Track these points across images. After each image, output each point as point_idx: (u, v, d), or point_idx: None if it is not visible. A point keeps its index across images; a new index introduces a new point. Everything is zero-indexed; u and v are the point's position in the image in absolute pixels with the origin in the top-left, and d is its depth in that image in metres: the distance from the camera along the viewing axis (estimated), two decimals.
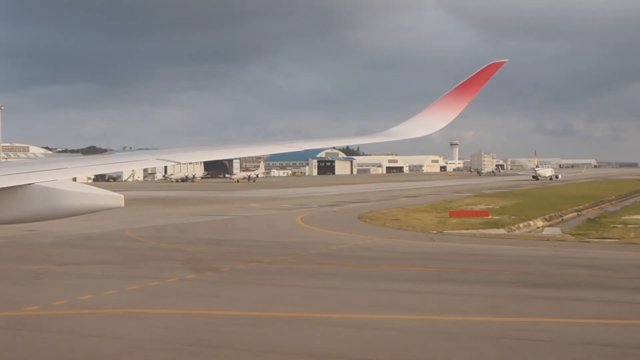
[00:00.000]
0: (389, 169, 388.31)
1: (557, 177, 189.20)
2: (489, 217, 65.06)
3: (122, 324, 21.28)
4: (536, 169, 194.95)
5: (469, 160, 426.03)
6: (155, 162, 17.20)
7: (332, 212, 71.62)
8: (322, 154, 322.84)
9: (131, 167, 18.68)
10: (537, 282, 27.68)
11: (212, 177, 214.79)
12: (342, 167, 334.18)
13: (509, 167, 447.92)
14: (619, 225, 55.69)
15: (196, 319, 21.77)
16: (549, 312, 22.09)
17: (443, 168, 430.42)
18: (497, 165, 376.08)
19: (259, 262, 34.10)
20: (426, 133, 20.28)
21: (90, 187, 17.83)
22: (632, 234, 48.64)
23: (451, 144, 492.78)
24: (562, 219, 71.91)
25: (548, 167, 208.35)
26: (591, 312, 22.12)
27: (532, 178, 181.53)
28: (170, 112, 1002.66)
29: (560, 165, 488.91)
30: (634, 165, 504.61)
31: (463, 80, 20.42)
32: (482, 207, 78.18)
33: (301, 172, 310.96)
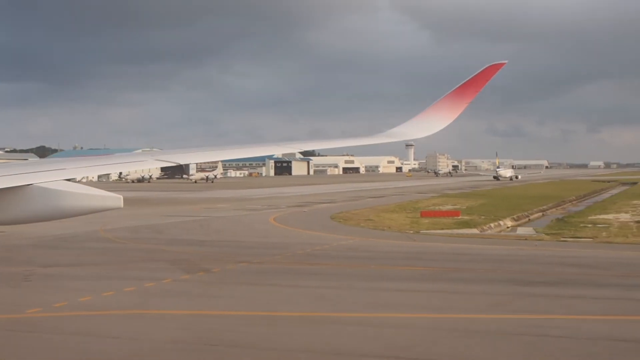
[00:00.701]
0: (345, 169, 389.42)
1: (517, 177, 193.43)
2: (460, 217, 65.77)
3: (135, 325, 21.02)
4: (497, 169, 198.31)
5: (424, 161, 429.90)
6: (154, 163, 17.15)
7: (302, 213, 71.59)
8: (278, 154, 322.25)
9: (131, 168, 18.64)
10: (532, 281, 28.08)
11: (168, 178, 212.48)
12: (298, 168, 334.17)
13: (463, 168, 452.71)
14: (589, 225, 56.73)
15: (210, 319, 21.65)
16: (557, 309, 22.47)
17: (399, 169, 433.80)
18: (452, 166, 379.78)
19: (248, 262, 33.96)
20: (426, 134, 20.45)
21: (90, 187, 17.71)
22: (604, 233, 49.62)
23: (406, 145, 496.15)
24: (529, 219, 72.96)
25: (508, 168, 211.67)
26: (597, 308, 22.56)
27: (492, 178, 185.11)
28: (121, 111, 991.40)
29: (512, 166, 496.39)
30: (584, 166, 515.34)
31: (463, 82, 20.65)
32: (449, 207, 78.91)
33: (258, 173, 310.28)
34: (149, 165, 17.59)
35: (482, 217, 66.13)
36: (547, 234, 50.14)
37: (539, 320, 20.76)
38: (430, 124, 20.63)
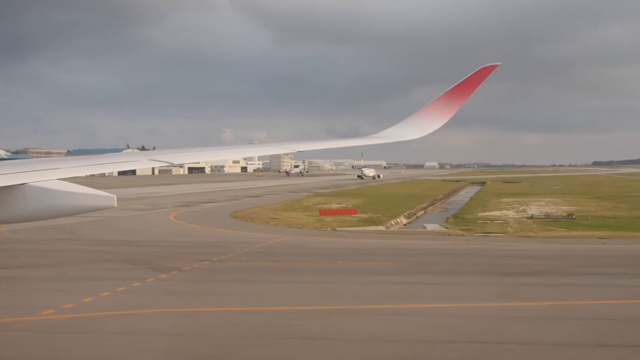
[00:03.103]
0: (190, 169, 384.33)
1: (379, 176, 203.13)
2: (358, 214, 67.55)
3: (177, 323, 20.60)
4: (362, 169, 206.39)
5: (269, 161, 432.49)
6: (148, 163, 17.23)
7: (196, 212, 70.75)
8: None
9: (124, 168, 18.42)
10: (511, 272, 29.85)
11: None
12: (143, 168, 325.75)
13: (307, 168, 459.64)
14: (487, 222, 60.18)
15: (249, 315, 21.56)
16: (566, 295, 24.30)
17: (244, 169, 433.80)
18: (295, 166, 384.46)
19: (208, 261, 33.65)
20: (419, 135, 21.24)
21: (84, 187, 17.64)
22: (509, 229, 52.95)
23: (250, 144, 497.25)
24: (417, 217, 76.24)
25: (371, 168, 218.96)
26: (600, 294, 24.54)
27: (357, 177, 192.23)
28: None
29: (352, 166, 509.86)
30: (420, 166, 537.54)
31: (456, 83, 21.65)
32: (337, 205, 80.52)
33: (100, 173, 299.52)
34: (143, 165, 17.45)
35: (378, 214, 68.25)
36: (460, 230, 52.72)
37: (565, 306, 22.42)
38: (423, 125, 21.29)
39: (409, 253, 37.06)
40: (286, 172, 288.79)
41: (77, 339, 18.89)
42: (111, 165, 18.68)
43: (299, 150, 20.87)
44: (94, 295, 24.68)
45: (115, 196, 17.32)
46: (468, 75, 21.35)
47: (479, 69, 21.30)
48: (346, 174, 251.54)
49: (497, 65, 21.58)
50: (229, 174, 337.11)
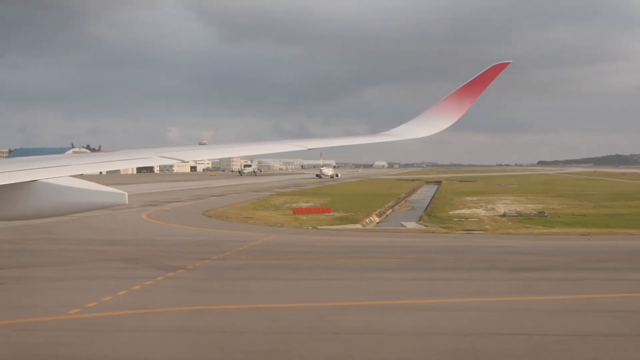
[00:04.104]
0: (139, 169, 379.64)
1: (337, 175, 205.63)
2: (332, 213, 67.84)
3: (222, 319, 20.56)
4: (321, 168, 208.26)
5: (218, 160, 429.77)
6: (158, 160, 17.40)
7: (167, 212, 70.19)
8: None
9: (135, 165, 18.58)
10: (517, 267, 30.42)
11: None
12: None
13: (257, 167, 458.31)
14: (462, 220, 61.04)
15: (283, 312, 21.60)
16: (583, 289, 24.94)
17: (193, 168, 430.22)
18: (246, 165, 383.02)
19: (207, 259, 33.46)
20: (430, 133, 21.58)
21: (95, 184, 17.79)
22: (487, 227, 53.93)
23: (199, 144, 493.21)
24: (387, 215, 76.99)
25: (330, 168, 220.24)
26: (615, 288, 25.30)
27: (316, 176, 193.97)
28: None
29: (302, 165, 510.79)
30: (369, 166, 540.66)
31: (467, 81, 22.02)
32: (304, 204, 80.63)
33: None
34: (154, 162, 17.55)
35: (350, 213, 68.65)
36: (442, 228, 53.41)
37: (588, 299, 22.98)
38: (434, 122, 21.58)
39: (405, 250, 37.46)
40: (239, 172, 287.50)
41: (121, 337, 18.72)
42: (122, 162, 18.59)
43: (309, 147, 20.93)
44: (112, 294, 24.38)
45: (126, 193, 17.37)
46: (479, 74, 21.68)
47: (490, 67, 21.66)
48: (305, 173, 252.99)
49: (508, 63, 21.92)
50: (179, 174, 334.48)
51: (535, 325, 19.40)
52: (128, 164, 19.57)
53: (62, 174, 15.51)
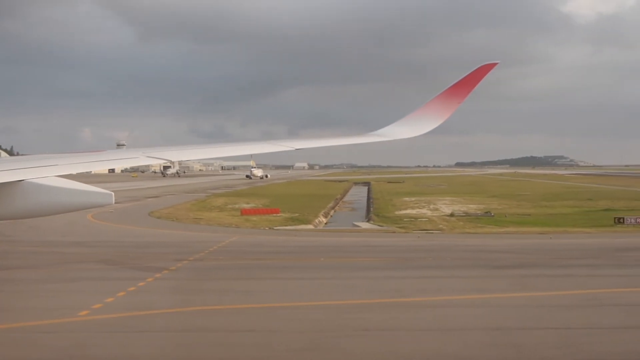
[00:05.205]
0: None
1: (267, 176, 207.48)
2: (280, 214, 67.80)
3: (241, 319, 20.43)
4: (252, 169, 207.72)
5: None
6: (145, 160, 17.61)
7: (110, 213, 68.56)
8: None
9: (121, 165, 18.67)
10: (499, 265, 31.22)
11: None
12: None
13: (177, 168, 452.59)
14: (413, 219, 61.95)
15: (301, 311, 21.59)
16: (579, 285, 25.86)
17: (111, 170, 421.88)
18: (165, 167, 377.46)
19: (186, 260, 32.99)
20: (417, 134, 22.00)
21: (82, 184, 17.90)
22: (441, 226, 54.97)
23: (117, 145, 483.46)
24: (331, 216, 77.53)
25: (260, 169, 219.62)
26: (607, 283, 26.25)
27: (246, 177, 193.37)
28: None
29: (222, 167, 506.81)
30: (289, 167, 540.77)
31: (455, 82, 22.51)
32: (245, 205, 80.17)
33: None
34: (140, 162, 17.61)
35: (296, 214, 68.73)
36: (399, 227, 54.08)
37: (590, 294, 23.79)
38: (421, 123, 21.97)
39: (380, 250, 37.90)
40: (162, 173, 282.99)
41: (141, 338, 18.43)
42: (108, 162, 18.43)
43: (297, 148, 21.00)
44: (111, 295, 23.83)
45: (112, 193, 17.30)
46: (466, 74, 22.03)
47: (477, 67, 22.05)
48: (234, 174, 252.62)
49: (496, 64, 22.30)
50: (99, 175, 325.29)
51: (555, 320, 20.06)
52: (115, 164, 19.26)
53: (49, 174, 15.39)
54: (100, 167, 19.15)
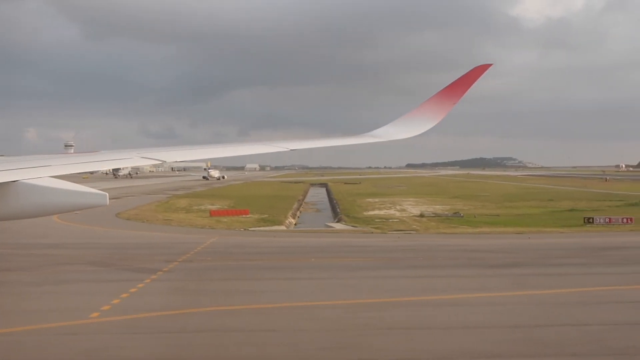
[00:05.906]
0: None
1: (224, 177, 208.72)
2: (249, 215, 67.49)
3: (259, 319, 20.36)
4: (209, 170, 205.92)
5: None
6: (140, 161, 17.80)
7: (75, 214, 67.47)
8: None
9: (116, 165, 18.84)
10: (492, 265, 31.61)
11: None
12: None
13: (129, 169, 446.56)
14: (384, 220, 62.27)
15: (317, 310, 21.59)
16: (576, 283, 26.39)
17: None
18: (114, 168, 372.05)
19: (175, 262, 32.69)
20: (412, 134, 22.27)
21: (77, 184, 17.99)
22: (414, 227, 55.35)
23: (66, 145, 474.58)
24: (298, 217, 77.50)
25: (216, 170, 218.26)
26: (603, 281, 26.79)
27: (202, 178, 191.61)
28: None
29: (172, 168, 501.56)
30: (241, 168, 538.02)
31: (449, 83, 22.79)
32: (210, 206, 79.59)
33: None
34: (135, 163, 17.71)
35: (266, 215, 68.51)
36: (375, 228, 54.24)
37: (590, 292, 24.31)
38: (416, 124, 22.20)
39: (366, 250, 38.06)
40: (114, 174, 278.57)
41: (163, 339, 18.30)
42: (102, 163, 18.46)
43: (292, 148, 21.05)
44: (116, 297, 23.58)
45: (107, 194, 17.30)
46: (461, 76, 22.31)
47: (472, 68, 22.35)
48: (191, 175, 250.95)
49: (490, 65, 22.64)
50: None
51: (570, 317, 20.46)
52: (110, 164, 19.13)
53: (43, 175, 15.51)
54: (94, 167, 19.01)
